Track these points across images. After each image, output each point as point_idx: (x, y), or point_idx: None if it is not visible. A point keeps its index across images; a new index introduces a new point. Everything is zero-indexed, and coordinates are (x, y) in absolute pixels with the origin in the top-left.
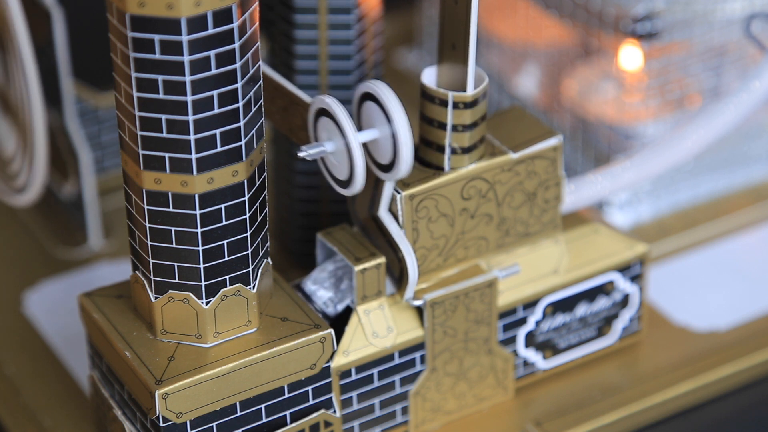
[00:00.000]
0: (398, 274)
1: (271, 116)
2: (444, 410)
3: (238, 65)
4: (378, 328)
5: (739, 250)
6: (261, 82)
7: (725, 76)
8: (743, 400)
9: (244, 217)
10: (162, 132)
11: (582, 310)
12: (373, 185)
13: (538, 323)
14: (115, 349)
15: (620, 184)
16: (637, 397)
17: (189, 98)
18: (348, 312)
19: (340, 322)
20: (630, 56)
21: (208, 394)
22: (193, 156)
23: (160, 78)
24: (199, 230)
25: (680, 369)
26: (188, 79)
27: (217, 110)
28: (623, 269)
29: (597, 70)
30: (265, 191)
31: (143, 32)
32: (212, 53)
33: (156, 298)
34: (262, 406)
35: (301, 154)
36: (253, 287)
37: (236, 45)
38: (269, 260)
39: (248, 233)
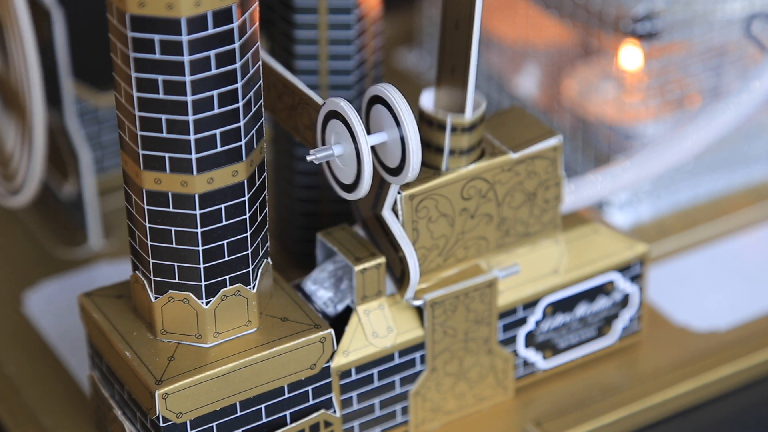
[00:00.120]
0: (399, 274)
1: (277, 113)
2: (444, 410)
3: (238, 65)
4: (378, 328)
5: (739, 250)
6: (261, 82)
7: (725, 76)
8: (743, 400)
9: (244, 217)
10: (162, 132)
11: (582, 310)
12: (378, 184)
13: (538, 323)
14: (115, 349)
15: (620, 184)
16: (637, 397)
17: (189, 98)
18: (348, 312)
19: (340, 322)
20: (630, 56)
21: (208, 394)
22: (193, 156)
23: (160, 78)
24: (199, 230)
25: (680, 369)
26: (188, 79)
27: (217, 110)
28: (623, 269)
29: (597, 70)
30: (265, 191)
31: (143, 32)
32: (212, 53)
33: (156, 298)
34: (262, 406)
35: (309, 158)
36: (253, 287)
37: (236, 45)
38: (269, 260)
39: (248, 233)
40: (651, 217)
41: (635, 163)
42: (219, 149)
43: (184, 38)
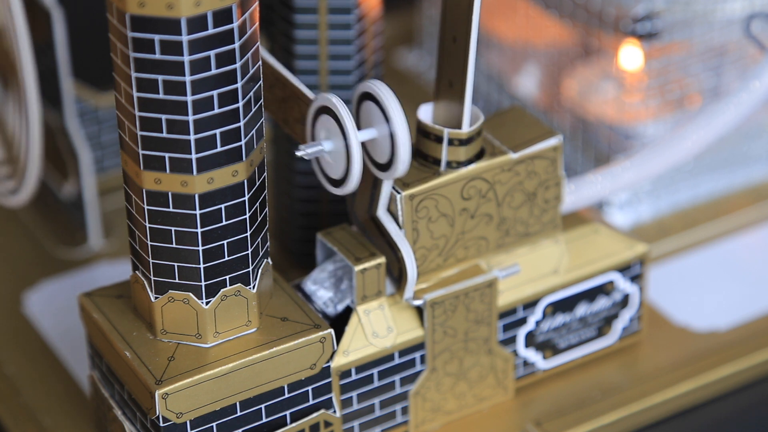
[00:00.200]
0: (397, 274)
1: (267, 105)
2: (444, 410)
3: (238, 65)
4: (378, 328)
5: (739, 250)
6: (261, 81)
7: (725, 76)
8: (743, 400)
9: (244, 217)
10: (162, 132)
11: (582, 310)
12: (372, 186)
13: (538, 323)
14: (115, 349)
15: (620, 184)
16: (637, 397)
17: (189, 98)
18: (348, 312)
19: (340, 322)
20: (630, 56)
21: (208, 394)
22: (193, 156)
23: (160, 78)
24: (199, 230)
25: (680, 369)
26: (188, 79)
27: (217, 110)
28: (623, 269)
29: (597, 70)
30: (265, 191)
31: (143, 32)
32: (212, 53)
33: (156, 298)
34: (262, 406)
35: (299, 153)
36: (253, 287)
37: (236, 45)
38: (269, 260)
39: (248, 233)
40: (651, 217)
41: (635, 163)
42: (219, 149)
43: (184, 38)
